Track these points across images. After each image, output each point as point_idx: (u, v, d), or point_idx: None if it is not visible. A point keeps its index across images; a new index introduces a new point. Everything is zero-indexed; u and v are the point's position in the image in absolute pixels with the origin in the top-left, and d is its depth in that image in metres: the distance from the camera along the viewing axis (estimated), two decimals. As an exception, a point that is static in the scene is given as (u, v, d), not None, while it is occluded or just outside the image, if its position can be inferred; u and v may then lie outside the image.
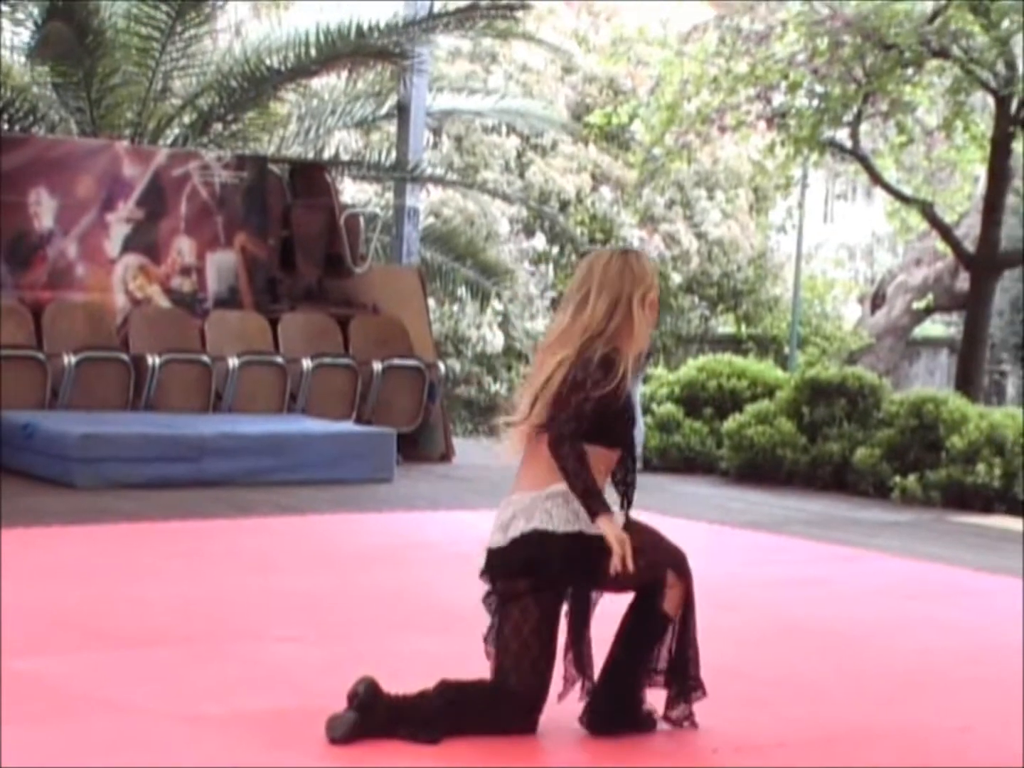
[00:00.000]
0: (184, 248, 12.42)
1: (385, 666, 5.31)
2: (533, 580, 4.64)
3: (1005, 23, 13.61)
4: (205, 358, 11.82)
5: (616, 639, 4.86)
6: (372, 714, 4.58)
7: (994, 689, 5.95)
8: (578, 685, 4.86)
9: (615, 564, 4.53)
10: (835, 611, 7.31)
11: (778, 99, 14.90)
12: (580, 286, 4.71)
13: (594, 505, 4.55)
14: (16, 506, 8.88)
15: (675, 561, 4.81)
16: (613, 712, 4.84)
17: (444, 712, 4.65)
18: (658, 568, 4.76)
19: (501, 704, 4.68)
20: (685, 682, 4.89)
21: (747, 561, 8.78)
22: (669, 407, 13.44)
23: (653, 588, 4.77)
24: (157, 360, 11.51)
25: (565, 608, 4.79)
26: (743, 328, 22.14)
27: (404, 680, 4.73)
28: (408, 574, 7.68)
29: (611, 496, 4.72)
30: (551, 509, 4.64)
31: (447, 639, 5.94)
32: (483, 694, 4.71)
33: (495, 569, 4.72)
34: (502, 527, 4.71)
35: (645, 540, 4.74)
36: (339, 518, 9.53)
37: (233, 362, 11.80)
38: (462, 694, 4.69)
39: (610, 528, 4.55)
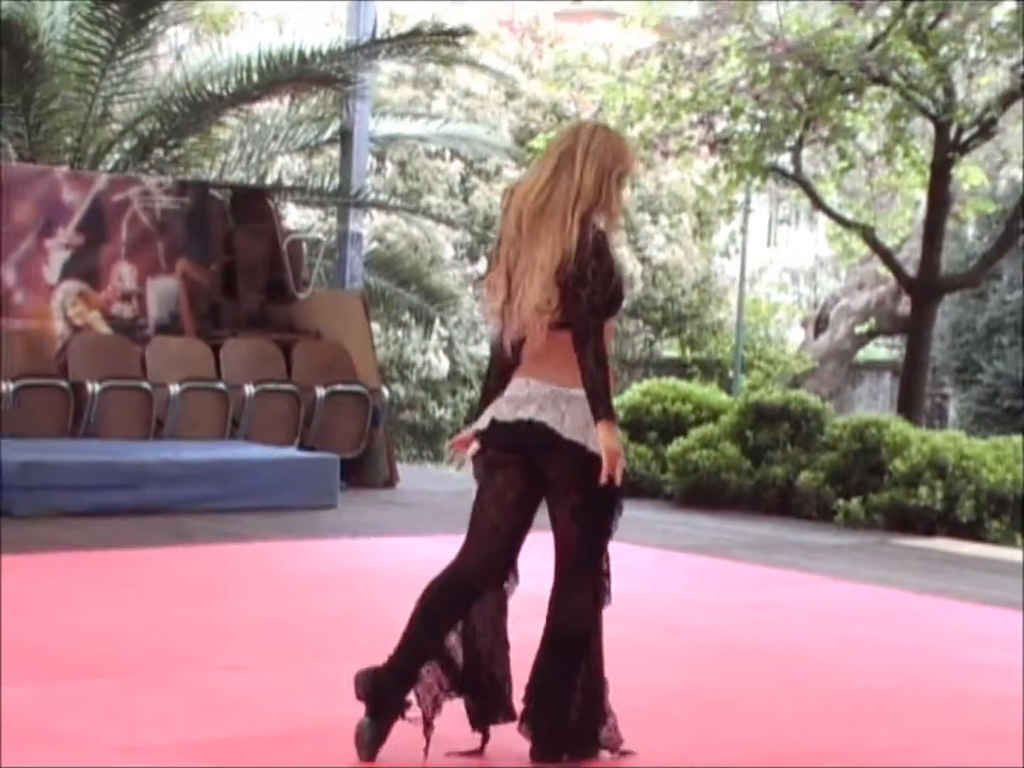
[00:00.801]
0: (125, 274, 12.34)
1: (332, 693, 5.27)
2: (522, 457, 4.60)
3: (943, 50, 13.74)
4: (146, 385, 11.73)
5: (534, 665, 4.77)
6: (383, 701, 4.60)
7: (939, 710, 5.97)
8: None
9: (604, 474, 4.48)
10: (780, 635, 7.31)
11: (721, 124, 14.97)
12: (562, 143, 4.63)
13: (601, 409, 4.50)
14: (-46, 535, 8.77)
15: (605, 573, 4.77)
16: (551, 736, 4.73)
17: (424, 617, 4.64)
18: (605, 542, 4.71)
19: (466, 568, 4.66)
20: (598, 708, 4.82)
21: (692, 585, 8.78)
22: (614, 431, 13.44)
23: (573, 585, 4.68)
24: (97, 387, 11.40)
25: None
26: (687, 352, 22.24)
27: (352, 706, 4.68)
28: (353, 600, 7.63)
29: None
30: (566, 411, 4.57)
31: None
32: (449, 570, 4.70)
33: (491, 439, 4.67)
34: (513, 403, 4.64)
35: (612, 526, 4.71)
36: (283, 545, 9.47)
37: (175, 388, 11.71)
38: (433, 584, 4.69)
39: (610, 437, 4.49)
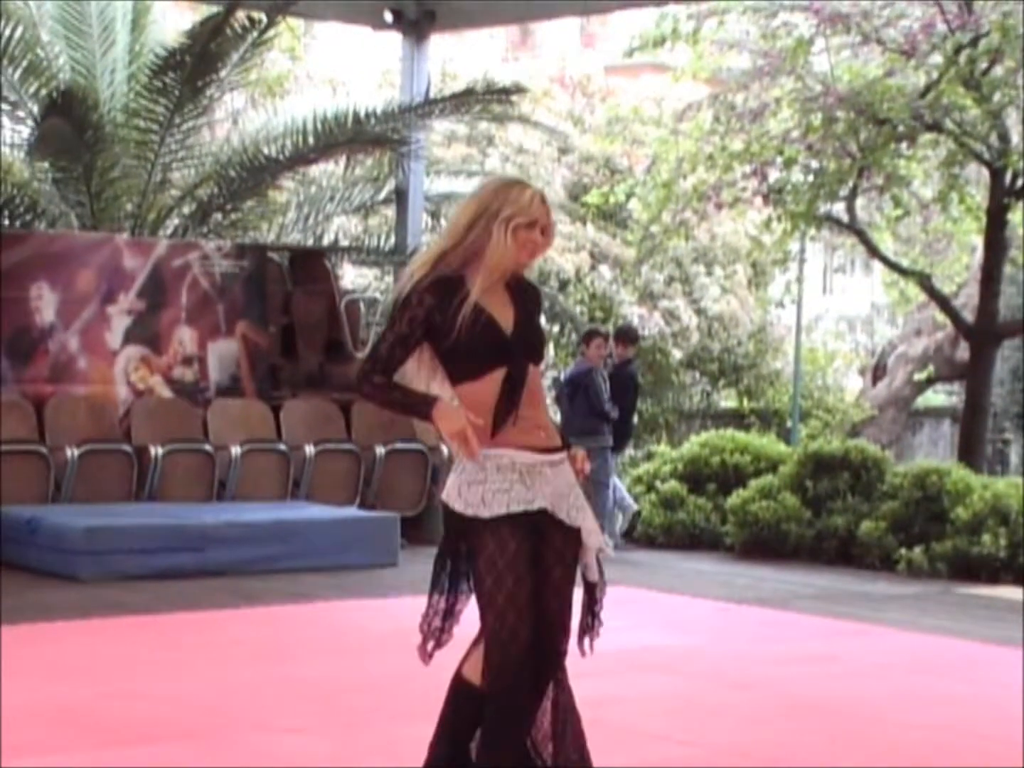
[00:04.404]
0: (185, 338, 12.48)
1: (393, 756, 5.30)
2: (466, 543, 4.44)
3: (996, 96, 13.73)
4: (208, 447, 11.84)
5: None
6: None
7: (1003, 763, 5.91)
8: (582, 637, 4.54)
9: (457, 452, 4.25)
10: (843, 687, 7.27)
11: (774, 175, 15.00)
12: (458, 204, 4.53)
13: (422, 410, 4.25)
14: (21, 601, 8.88)
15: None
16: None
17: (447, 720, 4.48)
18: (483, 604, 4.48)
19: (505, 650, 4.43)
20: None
21: (754, 638, 8.74)
22: (673, 484, 13.44)
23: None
24: (160, 450, 11.53)
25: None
26: (745, 402, 22.15)
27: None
28: (415, 660, 7.64)
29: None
30: (450, 478, 4.39)
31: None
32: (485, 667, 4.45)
33: (445, 526, 4.52)
34: None
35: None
36: (345, 604, 9.52)
37: (236, 450, 11.81)
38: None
39: (443, 421, 4.19)
